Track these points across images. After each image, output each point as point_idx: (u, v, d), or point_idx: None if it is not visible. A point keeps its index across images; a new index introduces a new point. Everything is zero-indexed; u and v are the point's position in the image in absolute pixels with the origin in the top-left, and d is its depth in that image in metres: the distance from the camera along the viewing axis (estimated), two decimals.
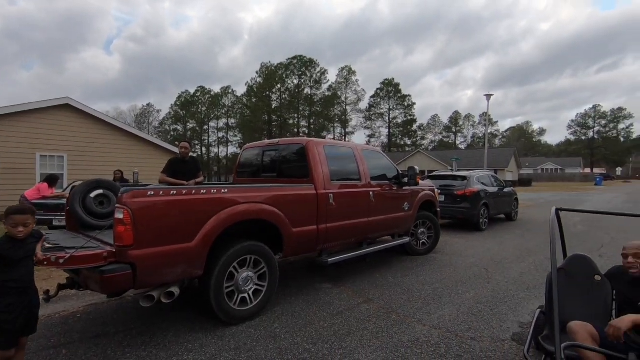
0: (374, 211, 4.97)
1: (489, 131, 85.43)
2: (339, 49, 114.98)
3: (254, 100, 73.38)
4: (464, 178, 9.30)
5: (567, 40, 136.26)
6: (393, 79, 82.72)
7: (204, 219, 3.08)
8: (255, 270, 3.56)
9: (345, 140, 75.30)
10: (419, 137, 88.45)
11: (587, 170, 75.12)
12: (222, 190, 3.27)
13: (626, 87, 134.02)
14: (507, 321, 3.49)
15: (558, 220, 3.05)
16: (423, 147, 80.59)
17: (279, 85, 73.89)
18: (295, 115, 76.00)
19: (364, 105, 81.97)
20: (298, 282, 4.68)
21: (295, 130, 73.27)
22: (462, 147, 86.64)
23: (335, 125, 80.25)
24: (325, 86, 77.06)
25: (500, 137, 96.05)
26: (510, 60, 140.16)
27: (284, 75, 73.60)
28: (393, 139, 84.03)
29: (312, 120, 76.47)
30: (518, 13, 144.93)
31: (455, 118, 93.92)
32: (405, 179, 5.58)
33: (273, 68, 73.33)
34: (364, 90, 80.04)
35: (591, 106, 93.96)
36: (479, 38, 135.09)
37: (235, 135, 76.04)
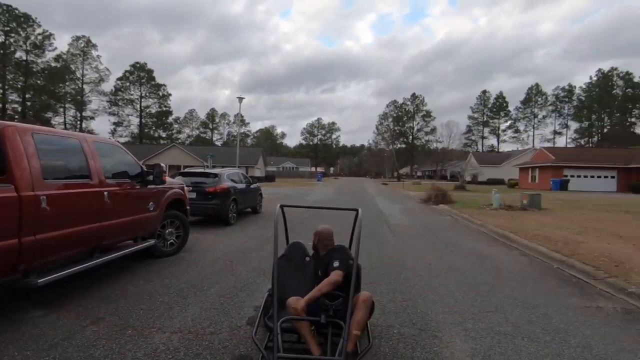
0: (109, 214, 4.29)
1: (242, 131, 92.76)
2: (76, 14, 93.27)
3: None
4: (215, 175, 9.63)
5: (302, 63, 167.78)
6: (146, 63, 75.16)
7: None
8: None
9: (81, 126, 61.78)
10: (175, 131, 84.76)
11: (313, 168, 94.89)
12: None
13: (338, 107, 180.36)
14: (244, 307, 3.85)
15: (283, 214, 3.66)
16: (179, 141, 77.72)
17: None
18: (0, 85, 55.52)
19: (108, 87, 70.04)
20: None
21: (0, 105, 53.59)
22: (219, 143, 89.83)
23: (68, 106, 64.58)
24: (51, 55, 60.41)
25: (252, 137, 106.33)
26: (262, 70, 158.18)
27: None
28: (146, 130, 76.53)
29: (28, 96, 58.11)
30: (269, 29, 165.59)
31: (212, 115, 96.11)
32: (151, 177, 5.15)
33: None
34: (108, 69, 68.33)
35: (316, 118, 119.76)
36: (236, 43, 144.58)
37: None
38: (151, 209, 5.24)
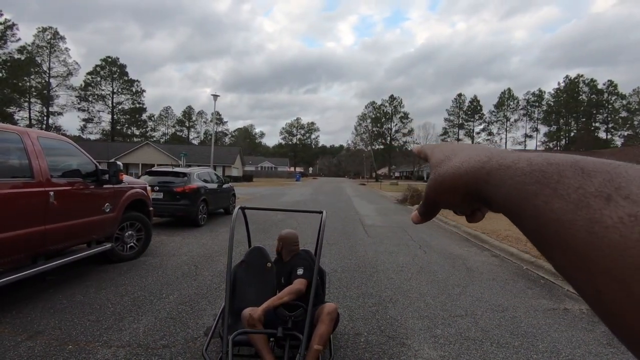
0: (55, 216, 3.92)
1: (219, 129, 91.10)
2: (49, 5, 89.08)
3: None
4: (184, 175, 9.22)
5: (286, 63, 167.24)
6: (118, 58, 72.63)
7: None
8: None
9: (48, 122, 58.91)
10: (149, 128, 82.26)
11: (292, 168, 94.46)
12: None
13: (320, 107, 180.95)
14: (204, 316, 3.60)
15: (244, 217, 3.43)
16: (154, 139, 75.47)
17: None
18: None
19: (77, 82, 67.14)
20: None
21: None
22: (195, 142, 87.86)
23: (33, 100, 61.44)
24: (13, 46, 57.34)
25: (230, 136, 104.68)
26: (245, 69, 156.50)
27: None
28: (118, 127, 73.91)
29: None
30: (253, 29, 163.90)
31: (188, 113, 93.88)
32: (106, 176, 4.78)
33: None
34: (77, 63, 65.50)
35: (295, 118, 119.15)
36: (220, 41, 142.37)
37: None
38: (107, 210, 4.87)
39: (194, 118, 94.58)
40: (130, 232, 5.61)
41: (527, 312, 3.95)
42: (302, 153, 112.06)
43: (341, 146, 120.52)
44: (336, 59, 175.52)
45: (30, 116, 60.22)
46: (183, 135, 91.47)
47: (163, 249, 6.47)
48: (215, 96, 23.06)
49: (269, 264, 3.12)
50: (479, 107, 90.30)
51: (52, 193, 3.88)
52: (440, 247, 7.40)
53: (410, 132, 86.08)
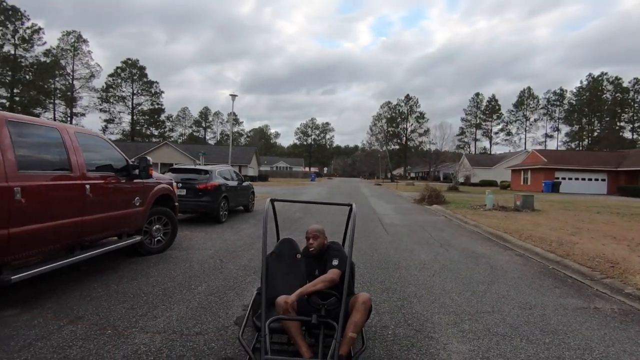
0: (91, 209, 4.09)
1: (235, 130, 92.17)
2: (83, 11, 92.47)
3: None
4: (206, 172, 9.41)
5: (305, 64, 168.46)
6: (138, 60, 74.33)
7: None
8: None
9: (72, 123, 60.90)
10: (167, 129, 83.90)
11: (307, 168, 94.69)
12: None
13: (338, 108, 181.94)
14: (233, 307, 3.69)
15: (273, 210, 3.49)
16: (172, 139, 76.93)
17: None
18: None
19: (100, 83, 69.11)
20: None
21: None
22: (212, 142, 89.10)
23: (57, 102, 63.54)
24: (40, 49, 59.41)
25: (245, 136, 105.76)
26: (265, 70, 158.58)
27: None
28: (137, 128, 75.66)
29: (16, 91, 57.06)
30: (274, 31, 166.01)
31: (205, 114, 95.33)
32: (137, 171, 4.95)
33: None
34: (99, 65, 67.45)
35: (310, 119, 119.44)
36: (241, 44, 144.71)
37: None
38: (137, 204, 5.04)
39: (210, 119, 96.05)
40: (157, 226, 5.77)
41: (556, 310, 3.89)
42: (317, 153, 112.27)
43: (356, 146, 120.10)
44: (355, 60, 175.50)
45: (54, 117, 62.25)
46: (200, 136, 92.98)
47: (188, 243, 6.63)
48: (234, 96, 23.39)
49: (299, 255, 3.18)
50: (497, 107, 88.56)
51: (88, 186, 4.04)
52: (462, 246, 7.33)
53: (427, 132, 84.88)
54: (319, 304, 2.47)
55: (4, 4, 54.32)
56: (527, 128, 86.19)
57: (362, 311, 2.43)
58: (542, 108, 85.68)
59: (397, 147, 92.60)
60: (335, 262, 2.69)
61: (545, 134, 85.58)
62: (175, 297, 3.91)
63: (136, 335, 2.98)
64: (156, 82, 76.48)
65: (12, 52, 56.38)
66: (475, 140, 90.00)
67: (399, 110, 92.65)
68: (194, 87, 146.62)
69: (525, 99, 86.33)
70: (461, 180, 42.45)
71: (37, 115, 57.31)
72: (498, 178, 47.03)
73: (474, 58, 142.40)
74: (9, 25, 55.36)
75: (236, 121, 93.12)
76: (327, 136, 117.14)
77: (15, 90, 57.11)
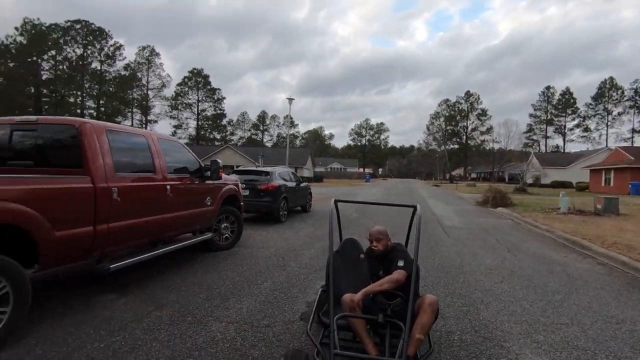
0: (171, 207, 4.53)
1: (291, 132, 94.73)
2: (156, 28, 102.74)
3: (10, 64, 55.07)
4: (267, 173, 9.84)
5: (359, 65, 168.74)
6: (202, 69, 79.73)
7: None
8: None
9: (146, 129, 67.18)
10: (228, 132, 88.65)
11: (361, 169, 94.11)
12: None
13: (392, 107, 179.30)
14: (297, 303, 3.84)
15: (336, 210, 3.58)
16: (232, 142, 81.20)
17: (52, 52, 58.16)
18: (78, 93, 61.90)
19: (169, 92, 75.27)
20: (68, 299, 3.72)
21: (79, 110, 59.79)
22: (269, 145, 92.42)
23: (135, 110, 70.35)
24: (120, 64, 66.27)
25: (300, 138, 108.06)
26: (319, 73, 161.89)
27: (62, 41, 58.46)
28: (202, 132, 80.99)
29: (102, 102, 64.18)
30: (328, 33, 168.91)
31: (262, 117, 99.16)
32: (208, 173, 5.36)
33: (43, 28, 56.98)
34: (169, 75, 73.58)
35: (364, 119, 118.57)
36: (296, 48, 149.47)
37: None
38: (208, 203, 5.46)
39: (267, 122, 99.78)
40: (225, 225, 6.19)
41: None
42: (371, 154, 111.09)
43: (412, 146, 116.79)
44: (410, 58, 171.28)
45: (132, 124, 69.17)
46: (257, 138, 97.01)
47: (251, 241, 7.00)
48: (290, 99, 24.13)
49: (362, 255, 3.23)
50: (571, 101, 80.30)
51: (168, 187, 4.48)
52: (532, 252, 6.83)
53: (489, 130, 79.76)
54: (385, 303, 2.50)
55: (93, 25, 61.58)
56: (608, 123, 76.95)
57: (430, 313, 2.41)
58: (627, 100, 75.77)
59: (456, 146, 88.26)
60: (400, 263, 2.70)
61: (632, 129, 75.46)
62: (243, 291, 4.17)
63: (212, 324, 3.25)
64: (218, 89, 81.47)
65: (99, 67, 63.70)
66: (546, 137, 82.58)
67: (458, 107, 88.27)
68: (252, 92, 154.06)
69: (606, 90, 77.12)
70: (529, 181, 39.24)
71: (118, 123, 64.17)
72: (573, 179, 42.68)
73: (544, 48, 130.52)
74: (96, 45, 62.67)
75: (292, 124, 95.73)
76: (382, 136, 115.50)
77: (100, 102, 64.43)
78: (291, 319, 3.43)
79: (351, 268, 3.22)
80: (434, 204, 17.72)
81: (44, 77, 58.06)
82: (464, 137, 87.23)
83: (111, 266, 3.63)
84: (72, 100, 61.55)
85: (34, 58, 56.15)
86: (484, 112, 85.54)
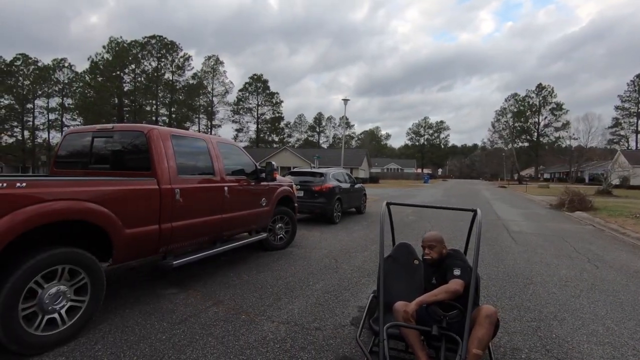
0: (229, 207, 4.73)
1: (347, 133, 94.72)
2: (224, 38, 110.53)
3: (99, 79, 62.33)
4: (321, 175, 9.90)
5: (419, 62, 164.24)
6: (262, 74, 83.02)
7: None
8: (71, 283, 2.89)
9: (211, 134, 71.68)
10: (286, 135, 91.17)
11: (419, 170, 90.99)
12: (17, 184, 2.51)
13: (454, 104, 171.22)
14: (348, 307, 3.78)
15: (389, 213, 3.44)
16: (289, 144, 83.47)
17: (132, 66, 64.72)
18: (154, 102, 68.13)
19: (232, 98, 79.67)
20: (136, 291, 4.06)
21: (154, 118, 65.72)
22: (325, 146, 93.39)
23: (201, 116, 75.55)
24: (189, 73, 71.71)
25: (356, 139, 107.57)
26: (378, 72, 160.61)
27: (140, 55, 64.80)
28: (261, 135, 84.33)
29: (173, 109, 69.97)
30: (387, 32, 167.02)
31: (319, 119, 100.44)
32: (263, 175, 5.52)
33: (125, 45, 63.62)
34: (231, 82, 78.04)
35: (422, 118, 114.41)
36: (355, 48, 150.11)
37: (74, 119, 63.35)
38: (263, 204, 5.61)
39: (323, 123, 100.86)
40: (280, 225, 6.33)
41: None
42: (430, 154, 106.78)
43: (475, 145, 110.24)
44: (475, 51, 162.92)
45: (199, 129, 74.35)
46: (314, 140, 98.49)
47: (305, 242, 7.08)
48: (346, 100, 24.10)
49: (417, 261, 3.07)
50: None
51: (226, 188, 4.69)
52: (620, 263, 6.00)
53: (565, 125, 72.11)
54: (440, 315, 2.33)
55: (166, 39, 67.37)
56: None
57: (487, 326, 2.20)
58: None
59: (525, 144, 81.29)
60: (457, 272, 2.51)
61: None
62: (295, 291, 4.21)
63: (264, 323, 3.31)
64: (277, 93, 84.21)
65: (170, 78, 69.49)
66: (637, 132, 72.58)
67: (528, 102, 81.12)
68: (309, 95, 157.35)
69: None
70: (615, 182, 34.70)
71: (187, 129, 69.39)
72: None
73: (635, 33, 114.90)
74: (168, 57, 68.47)
75: (347, 124, 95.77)
76: (442, 135, 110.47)
77: (172, 109, 70.21)
78: (342, 323, 3.38)
79: (405, 274, 3.08)
80: (499, 206, 16.47)
81: (125, 89, 64.86)
82: (535, 134, 79.99)
83: (174, 262, 3.88)
84: (148, 108, 67.85)
85: (118, 72, 63.05)
86: (559, 106, 77.62)
